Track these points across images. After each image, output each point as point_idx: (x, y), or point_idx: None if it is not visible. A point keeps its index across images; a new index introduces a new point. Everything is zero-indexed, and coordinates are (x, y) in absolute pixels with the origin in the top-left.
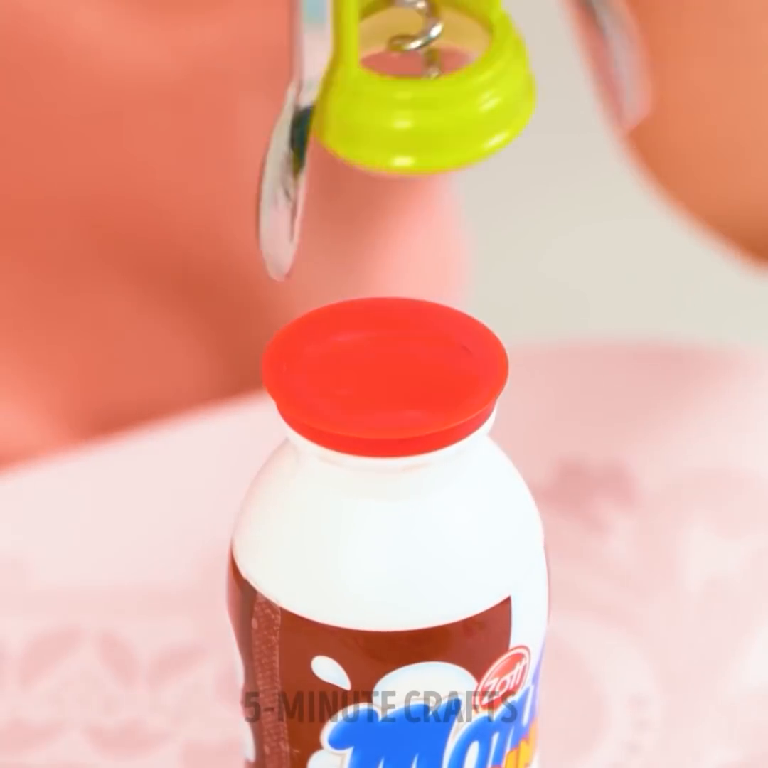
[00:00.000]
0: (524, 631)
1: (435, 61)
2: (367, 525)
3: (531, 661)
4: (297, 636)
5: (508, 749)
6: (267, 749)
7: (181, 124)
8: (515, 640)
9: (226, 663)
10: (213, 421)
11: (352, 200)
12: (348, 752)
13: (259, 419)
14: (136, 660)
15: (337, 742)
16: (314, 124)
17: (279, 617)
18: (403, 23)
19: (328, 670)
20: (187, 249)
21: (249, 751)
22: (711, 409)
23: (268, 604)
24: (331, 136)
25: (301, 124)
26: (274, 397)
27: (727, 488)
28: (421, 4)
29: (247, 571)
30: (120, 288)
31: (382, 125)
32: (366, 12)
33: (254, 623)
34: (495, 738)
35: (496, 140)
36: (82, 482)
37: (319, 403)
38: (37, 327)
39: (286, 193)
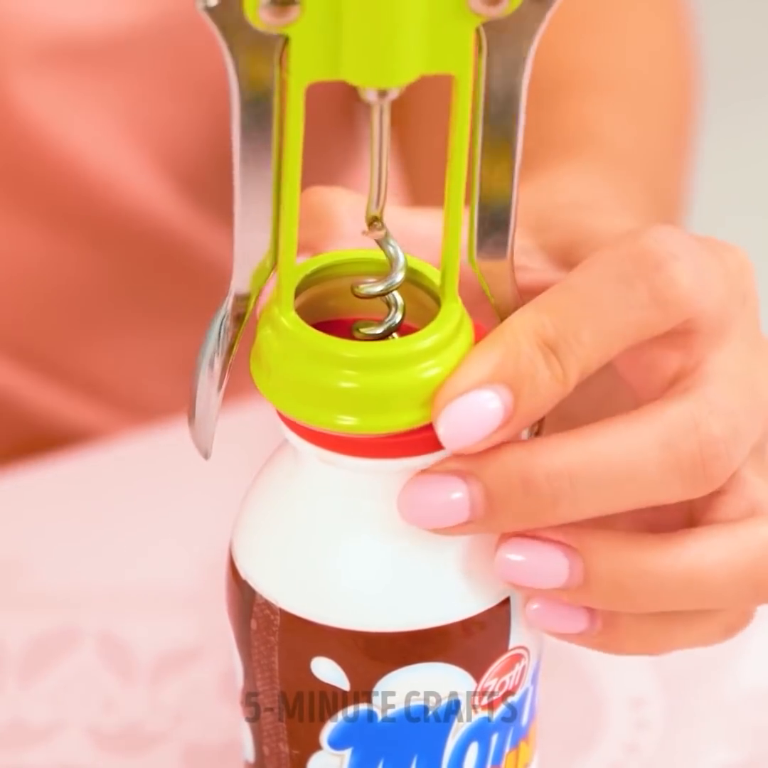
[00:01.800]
0: (523, 632)
1: (396, 309)
2: (365, 526)
3: (530, 662)
4: (296, 637)
5: (507, 749)
6: (266, 750)
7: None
8: (514, 640)
9: (225, 663)
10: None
11: None
12: (347, 753)
13: (260, 419)
14: (136, 660)
15: (337, 743)
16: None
17: (278, 618)
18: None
19: (327, 670)
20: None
21: (248, 752)
22: None
23: (268, 604)
24: (269, 388)
25: (222, 324)
26: (259, 389)
27: None
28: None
29: (247, 572)
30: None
31: (323, 383)
32: (327, 276)
33: (253, 624)
34: (494, 738)
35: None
36: (82, 482)
37: None
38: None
39: (215, 377)
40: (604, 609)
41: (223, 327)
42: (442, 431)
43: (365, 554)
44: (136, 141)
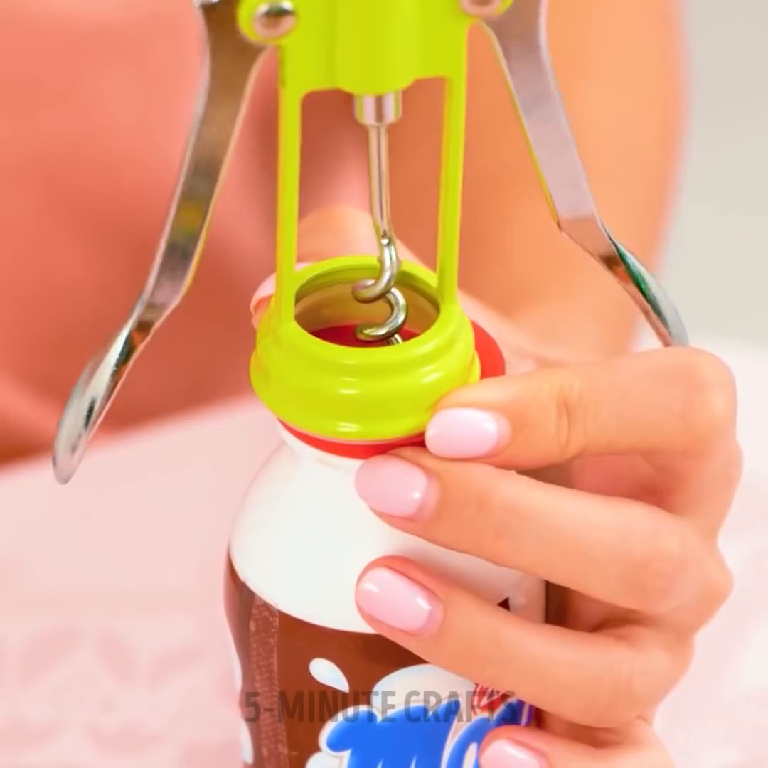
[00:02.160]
0: None
1: (398, 309)
2: (364, 527)
3: None
4: (295, 638)
5: None
6: (265, 751)
7: (138, 81)
8: None
9: (225, 663)
10: (215, 421)
11: None
12: (346, 754)
13: (261, 419)
14: (136, 660)
15: (336, 744)
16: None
17: (277, 620)
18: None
19: (326, 672)
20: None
21: (247, 753)
22: None
23: (266, 606)
24: (269, 395)
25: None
26: (260, 399)
27: None
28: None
29: (245, 574)
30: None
31: (323, 391)
32: (326, 283)
33: (252, 626)
34: None
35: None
36: (82, 483)
37: None
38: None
39: (88, 403)
40: (449, 670)
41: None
42: (430, 432)
43: (364, 556)
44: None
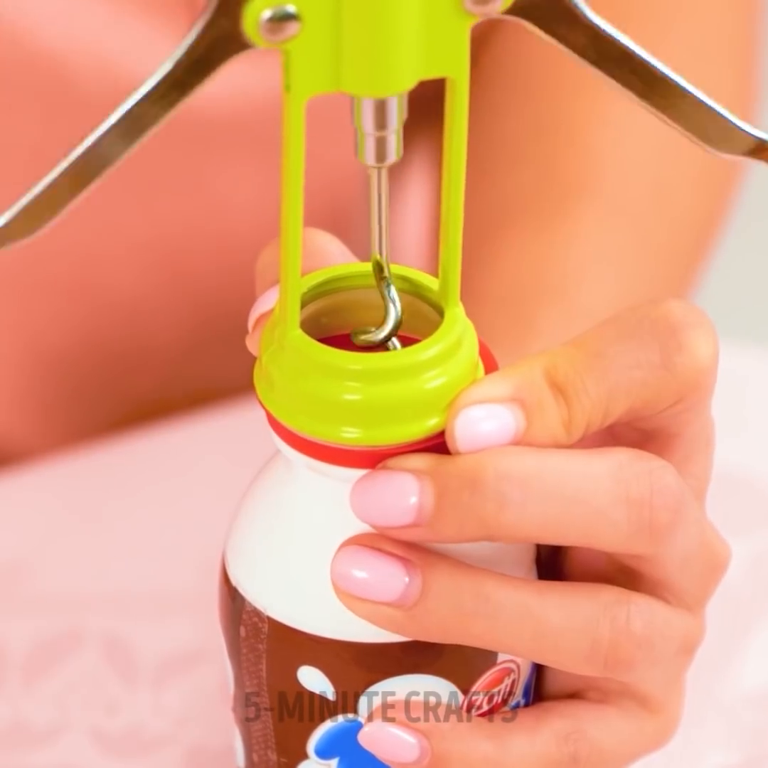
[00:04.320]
0: None
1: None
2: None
3: (521, 676)
4: (283, 645)
5: None
6: (256, 757)
7: (255, 164)
8: (503, 654)
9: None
10: (217, 421)
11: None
12: (334, 762)
13: (262, 419)
14: (139, 663)
15: (323, 752)
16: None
17: (266, 626)
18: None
19: (313, 679)
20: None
21: (240, 759)
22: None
23: (256, 612)
24: (272, 402)
25: None
26: (264, 406)
27: (727, 489)
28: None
29: (237, 579)
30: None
31: (327, 396)
32: (327, 291)
33: (243, 631)
34: None
35: (440, 419)
36: (84, 484)
37: None
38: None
39: None
40: (439, 639)
41: None
42: (458, 431)
43: None
44: None
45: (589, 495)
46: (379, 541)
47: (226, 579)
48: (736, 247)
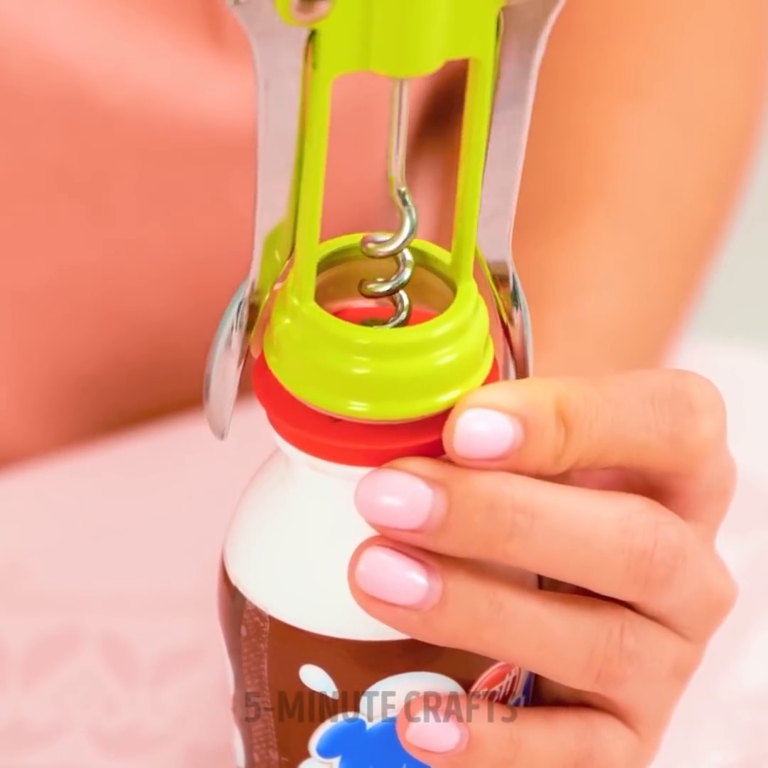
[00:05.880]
0: None
1: (402, 307)
2: (355, 534)
3: (522, 673)
4: (285, 644)
5: None
6: (257, 757)
7: None
8: None
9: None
10: None
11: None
12: (336, 761)
13: (265, 419)
14: (138, 662)
15: (325, 751)
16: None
17: (267, 625)
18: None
19: (315, 678)
20: None
21: (240, 758)
22: None
23: (257, 611)
24: (282, 371)
25: (239, 307)
26: (263, 405)
27: None
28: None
29: (237, 579)
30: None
31: (338, 369)
32: (336, 261)
33: (243, 631)
34: None
35: (450, 396)
36: (84, 484)
37: (308, 411)
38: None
39: (233, 353)
40: (448, 643)
41: (240, 308)
42: (458, 431)
43: None
44: None
45: (595, 539)
46: (400, 543)
47: (225, 578)
48: (736, 247)
